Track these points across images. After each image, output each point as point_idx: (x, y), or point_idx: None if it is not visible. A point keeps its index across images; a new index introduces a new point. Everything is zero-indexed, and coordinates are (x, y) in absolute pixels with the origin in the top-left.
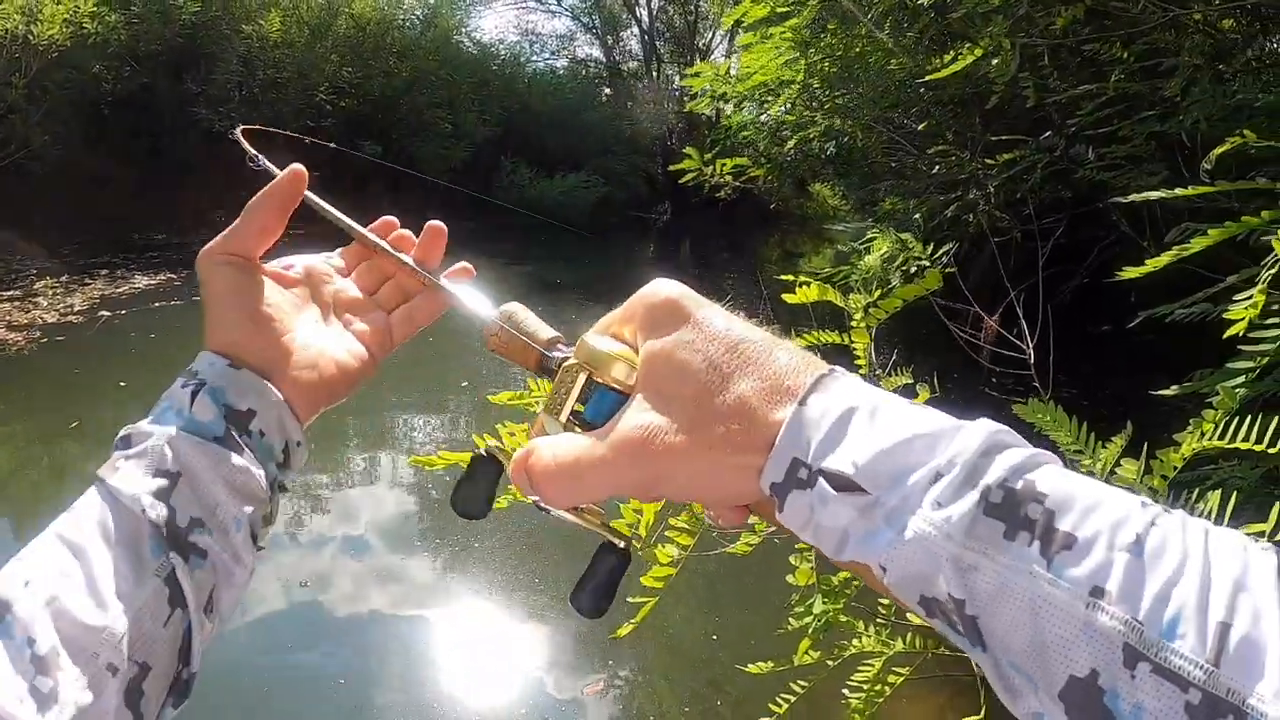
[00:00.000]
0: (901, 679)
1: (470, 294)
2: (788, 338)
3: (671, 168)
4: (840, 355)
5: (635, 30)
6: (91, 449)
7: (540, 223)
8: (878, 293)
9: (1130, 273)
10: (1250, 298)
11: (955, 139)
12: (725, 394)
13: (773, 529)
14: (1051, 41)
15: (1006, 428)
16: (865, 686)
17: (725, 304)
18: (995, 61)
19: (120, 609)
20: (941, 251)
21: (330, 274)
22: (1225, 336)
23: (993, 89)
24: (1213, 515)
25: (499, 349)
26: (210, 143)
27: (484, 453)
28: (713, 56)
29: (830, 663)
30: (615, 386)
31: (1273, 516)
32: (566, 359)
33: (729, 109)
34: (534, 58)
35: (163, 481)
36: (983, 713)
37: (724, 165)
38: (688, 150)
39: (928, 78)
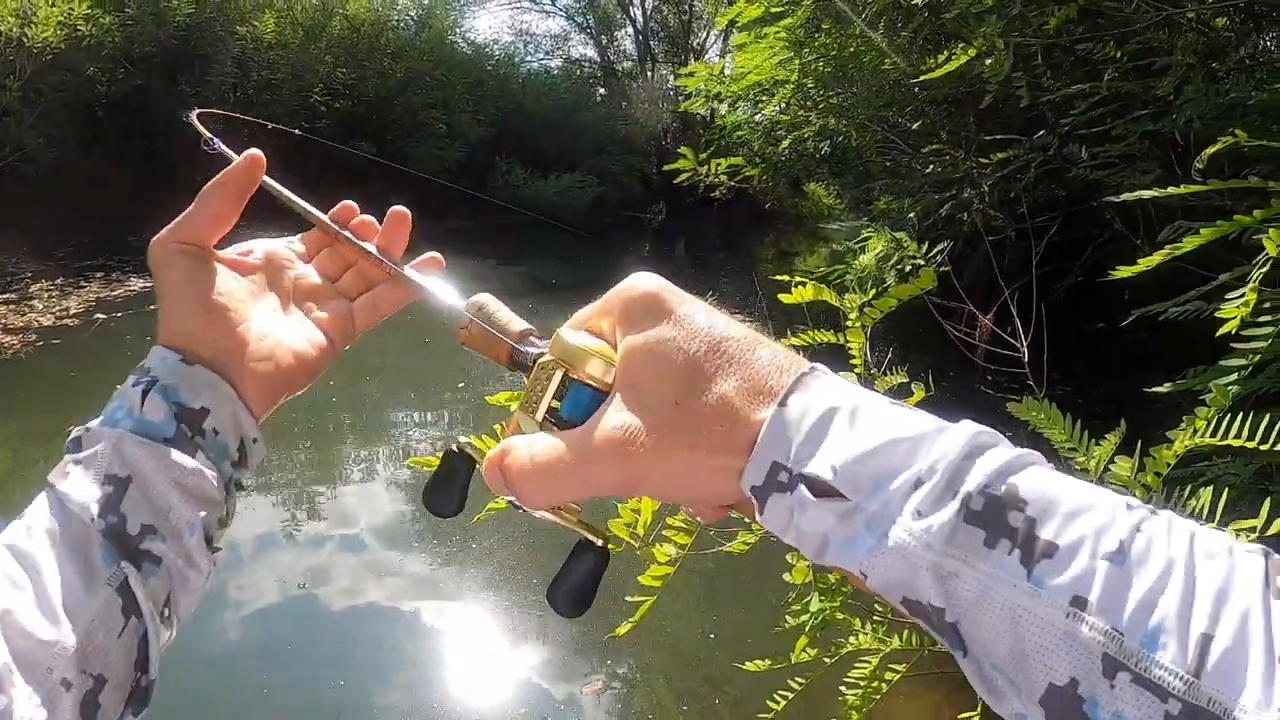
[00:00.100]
0: (898, 676)
1: (438, 284)
2: (784, 337)
3: (666, 168)
4: (836, 354)
5: (629, 30)
6: None
7: (535, 223)
8: (872, 292)
9: (1123, 272)
10: (1242, 296)
11: (949, 138)
12: (706, 394)
13: None
14: (1045, 41)
15: (991, 429)
16: (862, 683)
17: (709, 299)
18: (989, 61)
19: (73, 622)
20: (936, 250)
21: (291, 259)
22: (1218, 335)
23: (986, 89)
24: (1205, 512)
25: (469, 342)
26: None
27: (455, 450)
28: (707, 56)
29: (827, 660)
30: (592, 384)
31: (1263, 512)
32: (542, 355)
33: (723, 109)
34: (528, 58)
35: (112, 488)
36: (979, 709)
37: (719, 165)
38: (683, 150)
39: (922, 78)
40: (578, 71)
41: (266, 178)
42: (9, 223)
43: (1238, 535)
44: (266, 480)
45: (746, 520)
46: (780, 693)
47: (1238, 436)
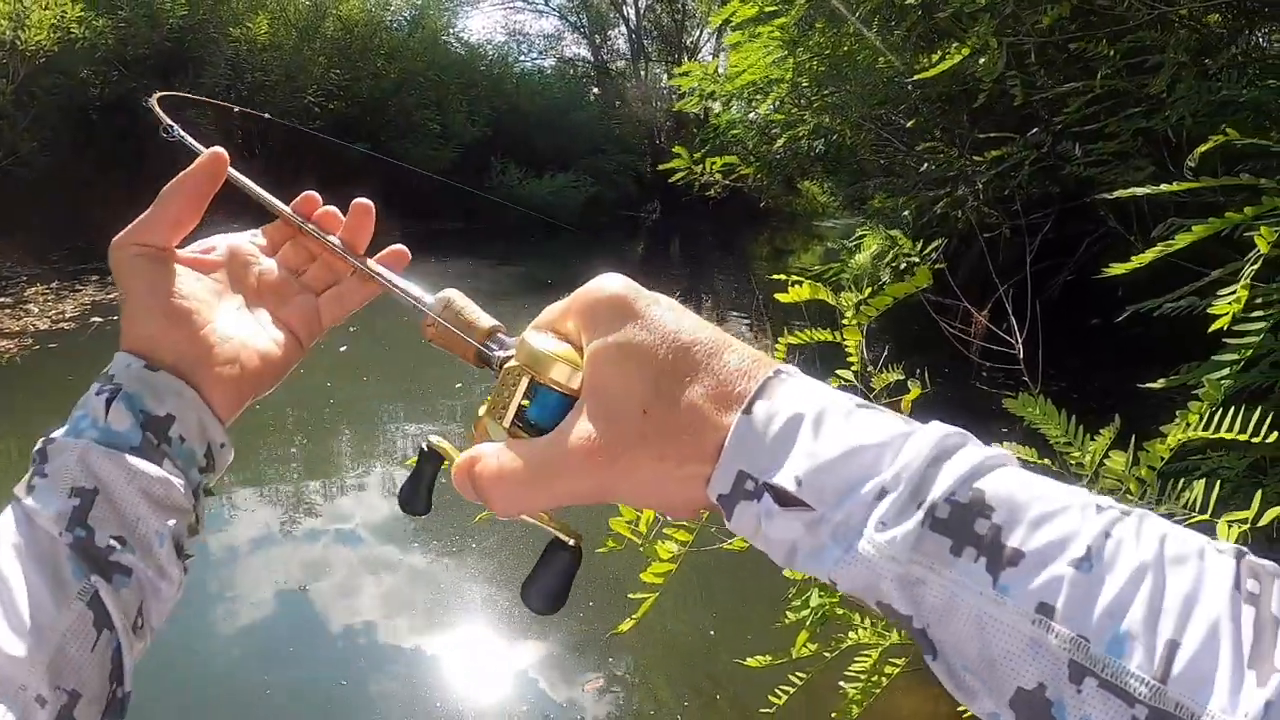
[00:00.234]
0: (897, 670)
1: (402, 280)
2: (780, 334)
3: (661, 167)
4: (833, 352)
5: (623, 29)
6: None
7: (530, 223)
8: (868, 290)
9: (1117, 269)
10: (1234, 293)
11: (944, 136)
12: (674, 403)
13: None
14: (1038, 39)
15: (959, 430)
16: (862, 677)
17: (705, 299)
18: (983, 60)
19: (44, 637)
20: (931, 248)
21: (255, 254)
22: (1211, 330)
23: (980, 87)
24: (1198, 505)
25: (436, 340)
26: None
27: (426, 449)
28: (700, 55)
29: (827, 655)
30: (559, 389)
31: (1255, 504)
32: (508, 359)
33: (717, 107)
34: (522, 58)
35: (79, 500)
36: None
37: (714, 164)
38: (677, 149)
39: (916, 77)
40: (571, 71)
41: (230, 169)
42: (3, 227)
43: (1230, 527)
44: (266, 481)
45: None
46: (782, 687)
47: (1230, 430)
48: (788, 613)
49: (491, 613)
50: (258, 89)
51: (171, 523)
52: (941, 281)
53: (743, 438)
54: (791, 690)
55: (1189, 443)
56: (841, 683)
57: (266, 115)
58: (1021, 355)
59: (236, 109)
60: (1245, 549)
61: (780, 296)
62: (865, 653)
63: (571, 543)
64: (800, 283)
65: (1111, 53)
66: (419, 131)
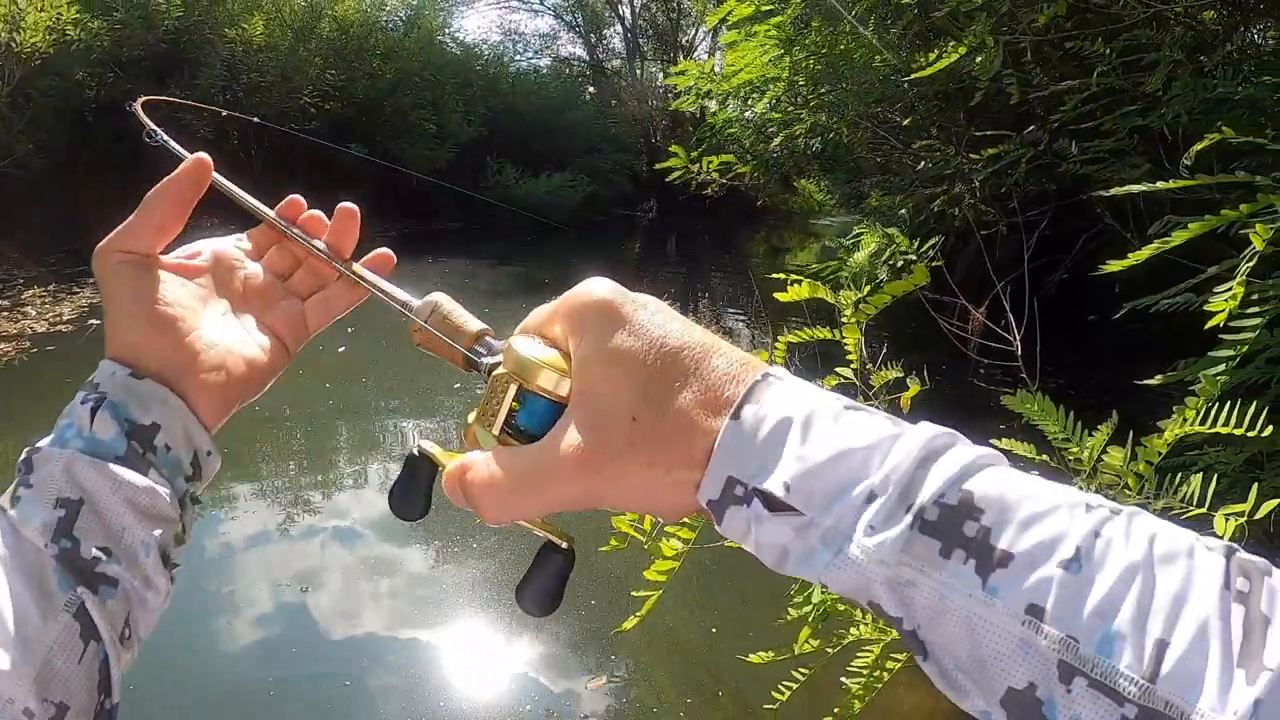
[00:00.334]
0: (899, 665)
1: (388, 284)
2: (778, 332)
3: (658, 166)
4: (832, 350)
5: (618, 28)
6: None
7: (527, 223)
8: (867, 289)
9: (1113, 266)
10: (1230, 289)
11: (940, 134)
12: (663, 410)
13: None
14: (1034, 38)
15: (949, 430)
16: (864, 673)
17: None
18: (979, 59)
19: (30, 650)
20: (928, 245)
21: (240, 259)
22: (1207, 327)
23: (977, 85)
24: (1196, 498)
25: (424, 344)
26: (194, 147)
27: (416, 453)
28: (696, 54)
29: (829, 650)
30: (547, 395)
31: (1251, 497)
32: (496, 366)
33: (713, 106)
34: (517, 57)
35: (64, 511)
36: None
37: (710, 162)
38: (674, 148)
39: (913, 76)
40: (567, 70)
41: (215, 174)
42: (0, 229)
43: (1227, 520)
44: (267, 482)
45: None
46: (785, 683)
47: (1227, 425)
48: (789, 609)
49: (493, 611)
50: (253, 90)
51: (157, 533)
52: (939, 279)
53: (731, 443)
54: (794, 686)
55: (1186, 438)
56: (843, 678)
57: (256, 119)
58: (1019, 352)
59: (224, 113)
60: (1236, 546)
61: (780, 295)
62: (867, 648)
63: (564, 546)
64: (800, 281)
65: (1107, 51)
66: (415, 131)
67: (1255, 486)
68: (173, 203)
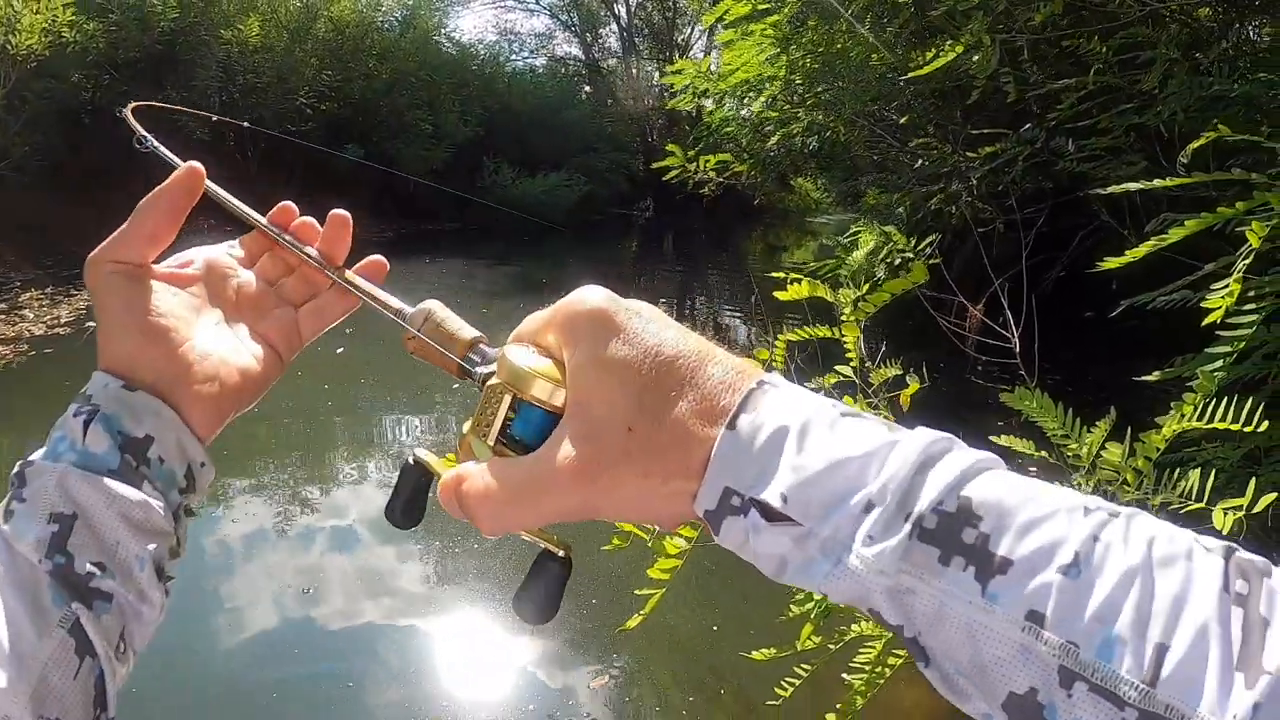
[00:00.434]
0: (901, 661)
1: (382, 292)
2: (777, 330)
3: (655, 165)
4: (832, 348)
5: (614, 27)
6: None
7: (525, 223)
8: (866, 287)
9: (1111, 263)
10: (1226, 287)
11: (937, 132)
12: (659, 420)
13: None
14: (1031, 36)
15: (946, 435)
16: (866, 669)
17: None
18: (976, 58)
19: (26, 667)
20: (925, 243)
21: (233, 267)
22: (1204, 324)
23: (974, 84)
24: (1194, 493)
25: (418, 352)
26: (190, 150)
27: (412, 462)
28: (692, 52)
29: (831, 647)
30: (541, 405)
31: (1249, 492)
32: (490, 376)
33: (710, 105)
34: (513, 57)
35: (58, 526)
36: None
37: (707, 161)
38: (671, 147)
39: (910, 74)
40: (563, 70)
41: (208, 181)
42: None
43: (1226, 514)
44: (267, 483)
45: None
46: (787, 680)
47: (1224, 421)
48: (791, 606)
49: (495, 611)
50: (249, 91)
51: (152, 546)
52: (937, 276)
53: (727, 454)
54: (796, 683)
55: (1184, 433)
56: (845, 675)
57: (246, 124)
58: (1018, 349)
59: (214, 117)
60: (1235, 546)
61: (780, 294)
62: (869, 645)
63: (561, 554)
64: (799, 280)
65: (1104, 49)
66: (411, 132)
67: (1253, 481)
68: (165, 212)
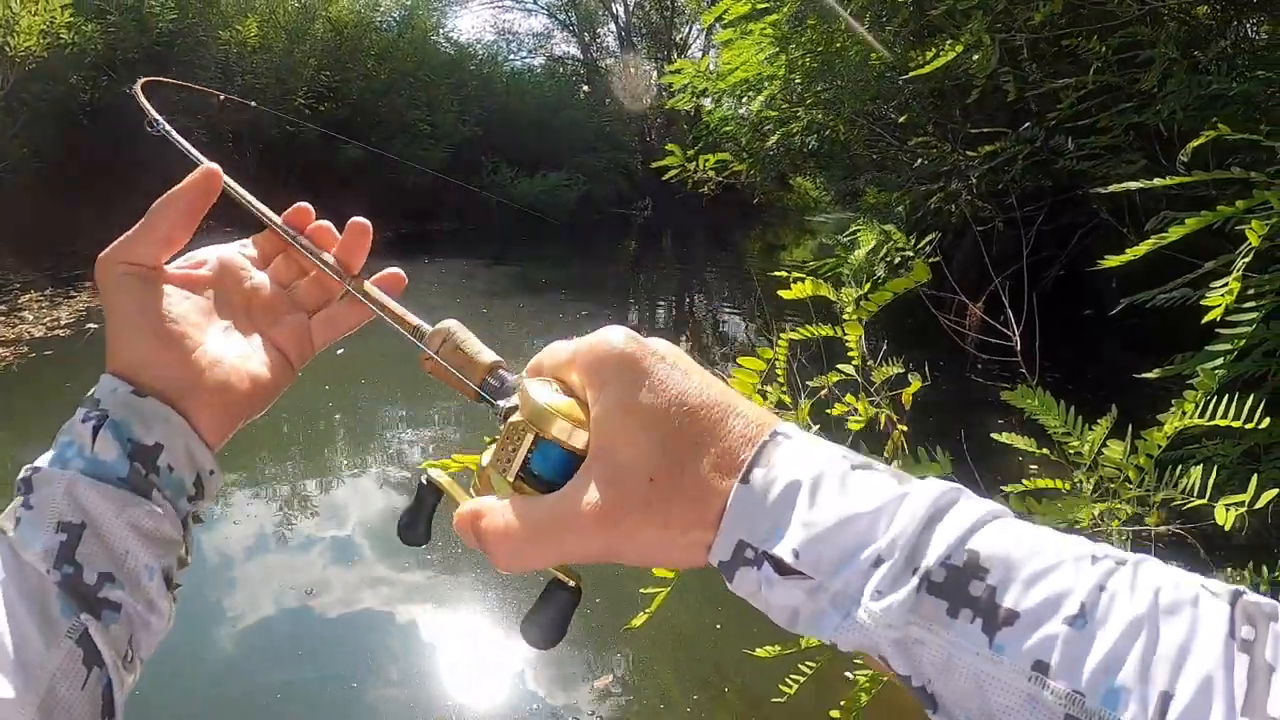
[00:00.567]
0: None
1: (399, 307)
2: (779, 329)
3: (654, 164)
4: (833, 347)
5: (612, 27)
6: None
7: (524, 223)
8: (868, 286)
9: (1110, 261)
10: (1226, 285)
11: (936, 131)
12: (681, 470)
13: None
14: (1030, 35)
15: (955, 485)
16: (870, 667)
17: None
18: (975, 57)
19: (34, 678)
20: (925, 242)
21: (247, 268)
22: (1204, 321)
23: (973, 83)
24: (1195, 490)
25: (435, 373)
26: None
27: (424, 482)
28: (690, 52)
29: None
30: (563, 446)
31: (1251, 487)
32: (511, 410)
33: (709, 104)
34: (511, 57)
35: (66, 535)
36: None
37: (706, 160)
38: (670, 147)
39: (910, 74)
40: (561, 69)
41: (226, 178)
42: None
43: (1227, 510)
44: (269, 487)
45: None
46: (792, 677)
47: (1225, 418)
48: None
49: (498, 611)
50: (248, 92)
51: (161, 555)
52: (937, 275)
53: (741, 507)
54: (801, 680)
55: (1185, 431)
56: (849, 672)
57: (253, 104)
58: (1018, 347)
59: (223, 96)
60: (1243, 589)
61: (784, 293)
62: None
63: (572, 583)
64: (802, 279)
65: (1103, 48)
66: (410, 132)
67: (1254, 477)
68: (181, 214)
